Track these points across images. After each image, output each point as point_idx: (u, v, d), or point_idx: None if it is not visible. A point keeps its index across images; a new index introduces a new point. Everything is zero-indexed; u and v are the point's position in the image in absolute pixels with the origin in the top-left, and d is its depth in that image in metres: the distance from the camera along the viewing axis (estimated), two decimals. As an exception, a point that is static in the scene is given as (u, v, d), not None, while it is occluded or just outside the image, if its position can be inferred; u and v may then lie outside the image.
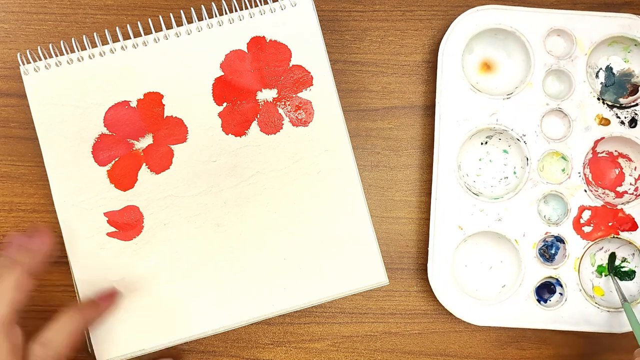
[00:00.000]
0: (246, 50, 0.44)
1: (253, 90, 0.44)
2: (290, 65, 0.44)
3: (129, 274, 0.43)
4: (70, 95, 0.43)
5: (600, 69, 0.47)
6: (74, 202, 0.43)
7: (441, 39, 0.45)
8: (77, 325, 0.38)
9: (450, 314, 0.45)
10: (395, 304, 0.47)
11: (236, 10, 0.44)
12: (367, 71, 0.47)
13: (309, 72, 0.44)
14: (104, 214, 0.43)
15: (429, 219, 0.45)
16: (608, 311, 0.46)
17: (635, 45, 0.46)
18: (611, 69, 0.47)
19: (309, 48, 0.44)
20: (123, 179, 0.44)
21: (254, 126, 0.44)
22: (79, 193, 0.43)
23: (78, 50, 0.43)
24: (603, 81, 0.47)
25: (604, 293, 0.47)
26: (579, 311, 0.45)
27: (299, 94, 0.44)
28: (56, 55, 0.43)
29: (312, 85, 0.44)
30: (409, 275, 0.48)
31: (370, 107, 0.47)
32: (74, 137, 0.43)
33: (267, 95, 0.44)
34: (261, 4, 0.44)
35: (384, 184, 0.48)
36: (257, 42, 0.44)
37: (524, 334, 0.48)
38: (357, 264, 0.44)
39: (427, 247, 0.45)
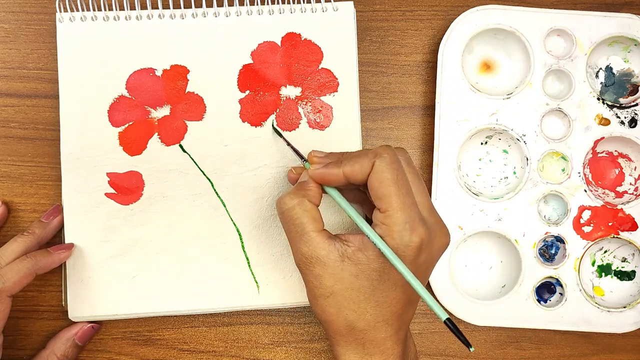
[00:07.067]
0: (279, 44, 0.44)
1: (278, 84, 0.44)
2: (320, 67, 0.44)
3: (118, 238, 0.44)
4: (100, 51, 0.44)
5: (600, 69, 0.47)
6: (79, 156, 0.43)
7: (441, 39, 0.45)
8: (29, 267, 0.40)
9: (451, 314, 0.45)
10: (395, 304, 0.47)
11: (278, 3, 0.44)
12: (367, 71, 0.47)
13: (336, 79, 0.45)
14: (107, 173, 0.44)
15: (429, 219, 0.45)
16: (608, 311, 0.46)
17: (635, 45, 0.46)
18: (611, 69, 0.47)
19: (340, 55, 0.45)
20: (133, 144, 0.44)
21: (271, 119, 0.44)
22: (87, 148, 0.44)
23: (116, 9, 0.44)
24: (603, 81, 0.47)
25: (604, 293, 0.47)
26: (579, 311, 0.45)
27: (322, 97, 0.44)
28: (94, 10, 0.44)
29: (336, 91, 0.45)
30: (409, 275, 0.47)
31: (370, 107, 0.47)
32: (94, 93, 0.44)
33: (290, 92, 0.44)
34: (303, 2, 0.44)
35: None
36: (291, 38, 0.44)
37: (524, 334, 0.48)
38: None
39: (427, 247, 0.45)
